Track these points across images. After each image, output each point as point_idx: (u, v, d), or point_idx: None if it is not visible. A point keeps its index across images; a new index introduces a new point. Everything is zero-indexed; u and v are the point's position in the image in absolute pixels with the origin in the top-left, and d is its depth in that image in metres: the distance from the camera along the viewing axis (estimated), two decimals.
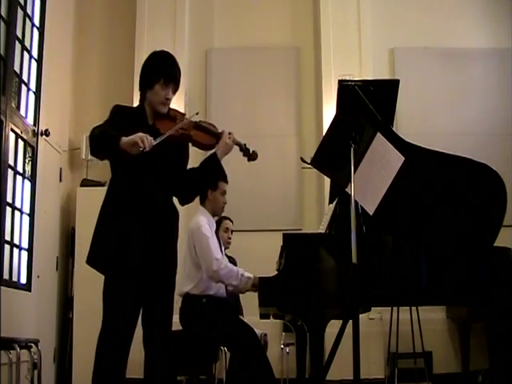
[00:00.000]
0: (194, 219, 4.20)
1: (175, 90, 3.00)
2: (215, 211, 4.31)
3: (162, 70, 2.94)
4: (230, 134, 3.01)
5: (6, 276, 4.62)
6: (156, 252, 2.89)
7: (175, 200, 3.08)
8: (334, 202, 3.51)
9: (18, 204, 4.94)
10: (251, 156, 3.13)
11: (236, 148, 3.11)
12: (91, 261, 2.89)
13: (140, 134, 2.75)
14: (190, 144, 3.03)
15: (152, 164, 2.89)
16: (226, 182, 4.27)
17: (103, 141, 2.81)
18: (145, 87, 2.97)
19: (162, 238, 2.92)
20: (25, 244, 5.08)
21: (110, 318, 2.83)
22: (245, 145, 3.13)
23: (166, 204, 2.97)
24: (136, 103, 3.10)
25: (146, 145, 2.72)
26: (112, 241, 2.84)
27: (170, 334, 3.00)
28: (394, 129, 3.31)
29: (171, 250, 2.98)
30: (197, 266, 4.10)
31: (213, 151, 3.04)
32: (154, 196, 2.91)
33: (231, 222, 4.86)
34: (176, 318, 3.52)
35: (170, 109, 3.00)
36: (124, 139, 2.75)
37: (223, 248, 4.48)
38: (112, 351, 2.80)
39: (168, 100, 2.95)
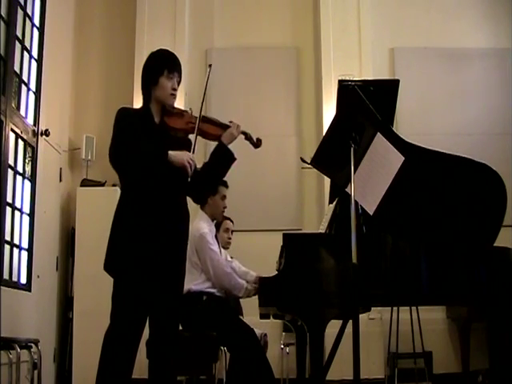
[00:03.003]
0: (195, 225, 4.17)
1: (179, 82, 3.03)
2: (215, 216, 4.33)
3: (163, 63, 2.99)
4: (238, 126, 3.09)
5: (6, 276, 4.62)
6: (170, 257, 2.89)
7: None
8: (334, 202, 3.51)
9: (18, 204, 4.94)
10: (257, 143, 3.23)
11: (242, 146, 3.15)
12: (108, 267, 2.88)
13: (187, 154, 2.84)
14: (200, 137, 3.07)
15: (168, 169, 2.88)
16: (226, 186, 4.31)
17: (150, 159, 2.83)
18: (149, 85, 2.99)
19: (176, 243, 2.92)
20: (25, 244, 5.08)
21: (118, 319, 2.82)
22: (250, 134, 3.22)
23: (181, 207, 2.97)
24: (136, 103, 3.11)
25: (191, 168, 2.82)
26: (128, 247, 2.83)
27: (177, 336, 3.01)
28: (393, 129, 3.31)
29: (183, 255, 2.98)
30: (197, 267, 4.11)
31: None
32: (171, 200, 2.91)
33: (231, 222, 4.85)
34: None
35: (173, 107, 3.03)
36: (172, 155, 2.82)
37: (222, 250, 4.48)
38: (119, 351, 2.79)
39: (175, 91, 2.99)
